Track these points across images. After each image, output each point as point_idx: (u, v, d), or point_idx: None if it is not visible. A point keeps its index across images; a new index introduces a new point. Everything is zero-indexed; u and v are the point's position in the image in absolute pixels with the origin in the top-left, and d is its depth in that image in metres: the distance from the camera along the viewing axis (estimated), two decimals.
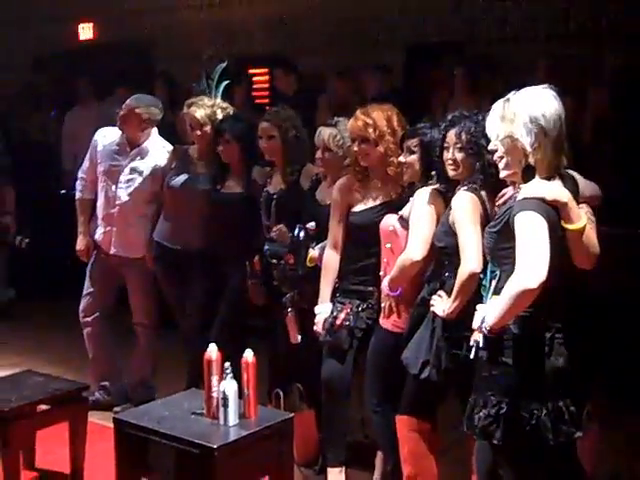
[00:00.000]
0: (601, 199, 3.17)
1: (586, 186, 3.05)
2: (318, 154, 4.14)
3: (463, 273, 3.16)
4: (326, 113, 5.96)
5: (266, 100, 7.52)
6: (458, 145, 3.30)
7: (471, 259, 3.13)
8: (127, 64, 8.15)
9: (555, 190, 2.76)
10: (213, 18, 8.11)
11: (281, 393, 4.19)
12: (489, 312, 2.78)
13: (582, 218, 2.79)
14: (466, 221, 3.21)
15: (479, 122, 3.21)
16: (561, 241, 2.77)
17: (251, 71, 8.02)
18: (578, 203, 2.88)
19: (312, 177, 4.30)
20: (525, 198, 2.74)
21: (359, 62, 7.02)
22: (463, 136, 3.28)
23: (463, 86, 6.19)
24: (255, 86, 8.04)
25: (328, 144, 4.06)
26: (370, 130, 3.78)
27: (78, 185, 5.14)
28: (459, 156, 3.30)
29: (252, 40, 7.86)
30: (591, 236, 2.87)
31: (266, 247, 4.34)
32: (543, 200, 2.72)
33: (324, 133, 4.10)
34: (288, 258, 4.18)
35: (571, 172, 2.97)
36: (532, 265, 2.64)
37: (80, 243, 5.09)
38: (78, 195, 5.14)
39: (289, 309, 4.18)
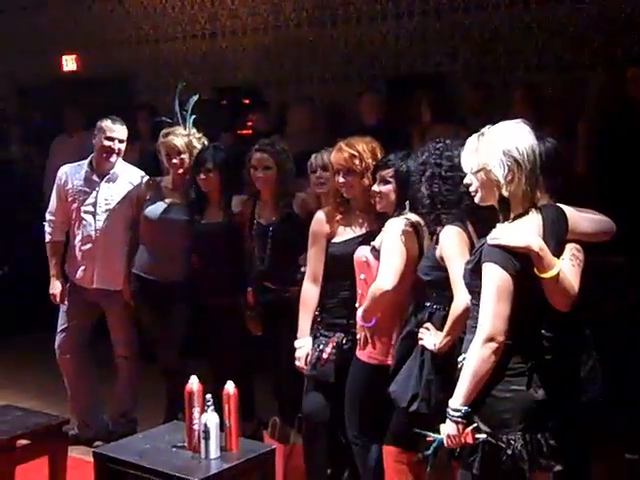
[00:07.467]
0: (609, 234, 3.11)
1: (582, 220, 3.00)
2: (317, 174, 4.17)
3: (457, 308, 3.13)
4: None
5: (249, 130, 7.53)
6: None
7: (465, 293, 3.05)
8: (109, 96, 8.15)
9: (525, 237, 2.73)
10: (195, 50, 8.15)
11: (278, 421, 4.14)
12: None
13: (555, 265, 2.75)
14: (455, 256, 3.19)
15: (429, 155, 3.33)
16: (534, 284, 2.76)
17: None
18: (565, 242, 2.88)
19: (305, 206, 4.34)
20: (494, 245, 2.73)
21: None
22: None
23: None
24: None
25: (329, 164, 4.02)
26: (356, 162, 3.77)
27: (47, 227, 4.97)
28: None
29: (235, 71, 7.90)
30: (569, 279, 2.83)
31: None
32: (511, 249, 2.71)
33: (322, 155, 4.14)
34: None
35: (562, 207, 2.94)
36: (491, 327, 2.69)
37: (54, 286, 4.93)
38: (48, 238, 4.96)
39: None
